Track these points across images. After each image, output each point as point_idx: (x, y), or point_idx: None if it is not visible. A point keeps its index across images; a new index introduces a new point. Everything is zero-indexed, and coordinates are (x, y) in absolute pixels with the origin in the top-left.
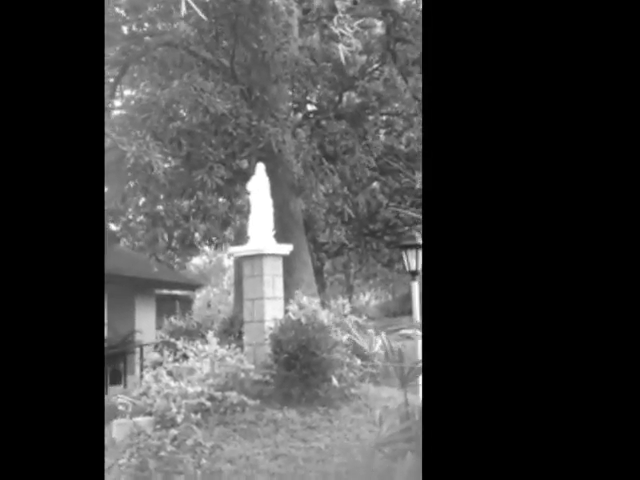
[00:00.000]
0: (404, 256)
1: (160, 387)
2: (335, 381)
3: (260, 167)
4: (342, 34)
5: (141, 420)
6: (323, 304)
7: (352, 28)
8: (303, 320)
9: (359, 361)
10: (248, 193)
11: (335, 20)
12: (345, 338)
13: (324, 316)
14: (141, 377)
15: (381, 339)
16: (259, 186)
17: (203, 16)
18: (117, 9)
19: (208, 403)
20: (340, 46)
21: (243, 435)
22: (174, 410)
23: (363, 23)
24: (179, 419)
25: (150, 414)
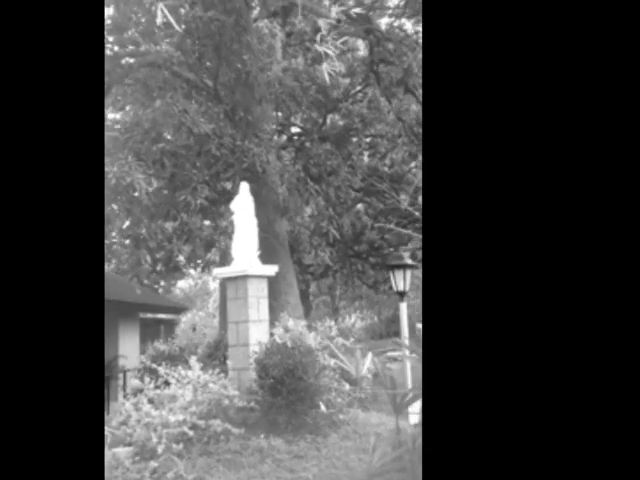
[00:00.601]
0: (391, 276)
1: (140, 416)
2: (323, 407)
3: (244, 186)
4: (326, 54)
5: (120, 451)
6: (310, 327)
7: (336, 47)
8: (289, 343)
9: (347, 386)
10: (232, 213)
11: (318, 38)
12: (333, 362)
13: (311, 339)
14: (123, 404)
15: (369, 362)
16: (243, 205)
17: (178, 27)
18: None
19: (190, 432)
20: (324, 66)
21: (227, 466)
22: (154, 440)
23: (346, 44)
24: (160, 449)
25: (130, 444)
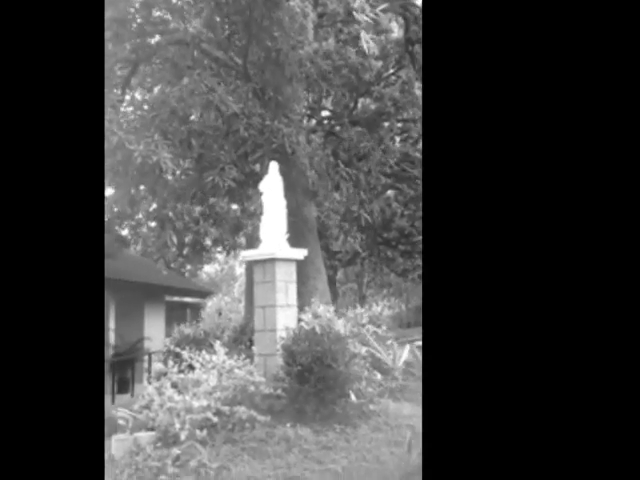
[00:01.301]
0: None
1: (163, 400)
2: (353, 397)
3: (273, 166)
4: (367, 23)
5: (142, 436)
6: (338, 313)
7: (374, 17)
8: (318, 330)
9: (379, 375)
10: (260, 194)
11: (357, 3)
12: (364, 350)
13: (340, 326)
14: (146, 388)
15: (406, 353)
16: (272, 186)
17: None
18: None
19: (215, 418)
20: (362, 34)
21: (252, 455)
22: (177, 426)
23: (379, 26)
24: (183, 436)
25: (152, 429)
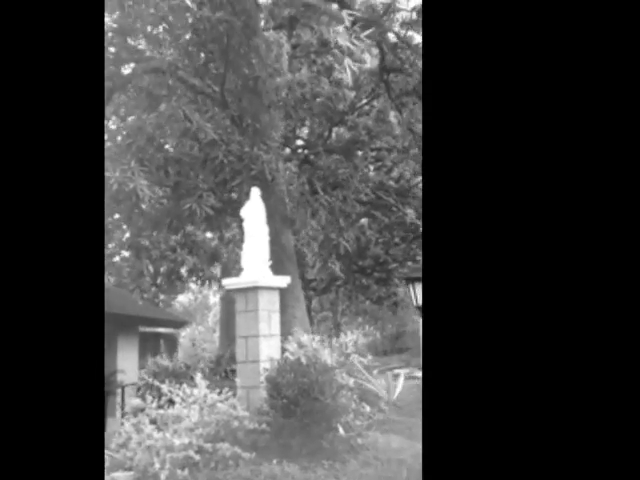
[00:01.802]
0: (411, 290)
1: (142, 438)
2: (341, 430)
3: (255, 192)
4: (348, 49)
5: (120, 476)
6: (323, 342)
7: (356, 43)
8: (303, 360)
9: (368, 407)
10: (241, 220)
11: (340, 29)
12: (351, 381)
13: (327, 356)
14: (122, 424)
15: (401, 384)
16: (254, 213)
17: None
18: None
19: (197, 457)
20: (346, 61)
21: None
22: (157, 465)
23: (353, 57)
24: (163, 476)
25: (130, 469)
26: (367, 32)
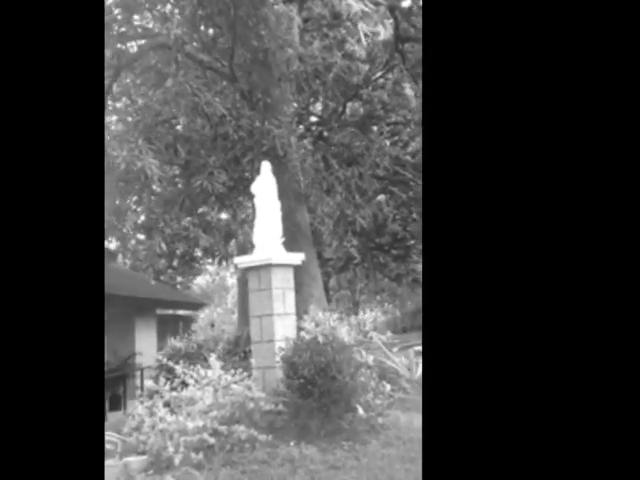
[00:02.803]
0: None
1: (154, 421)
2: (361, 410)
3: (266, 166)
4: (362, 11)
5: (133, 461)
6: (342, 319)
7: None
8: (320, 339)
9: (388, 386)
10: (252, 196)
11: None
12: (370, 359)
13: (344, 334)
14: (136, 408)
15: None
16: (265, 188)
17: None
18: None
19: (211, 440)
20: (360, 25)
21: (254, 478)
22: (171, 449)
23: (368, 27)
24: (177, 460)
25: (143, 453)
26: None
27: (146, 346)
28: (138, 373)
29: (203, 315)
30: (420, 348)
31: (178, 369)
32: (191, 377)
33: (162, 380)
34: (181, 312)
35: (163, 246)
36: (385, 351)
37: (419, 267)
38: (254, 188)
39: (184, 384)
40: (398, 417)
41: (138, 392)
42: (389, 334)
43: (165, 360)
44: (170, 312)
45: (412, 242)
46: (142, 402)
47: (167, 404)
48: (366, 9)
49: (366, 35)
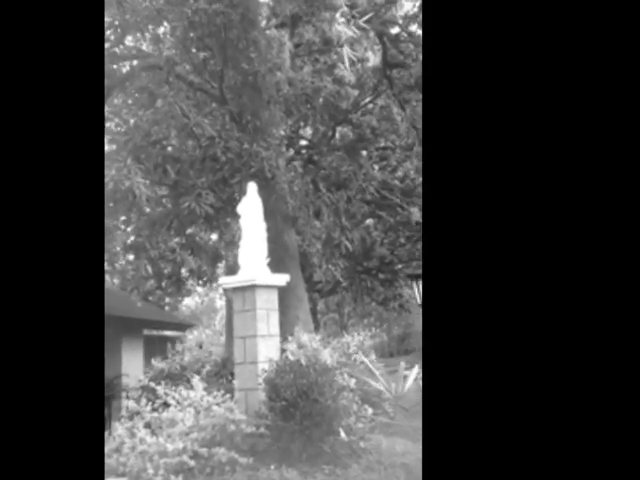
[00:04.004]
0: (415, 287)
1: (135, 443)
2: (343, 434)
3: (252, 187)
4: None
5: None
6: (325, 342)
7: (355, 31)
8: (303, 361)
9: (370, 410)
10: (238, 217)
11: (338, 15)
12: (352, 382)
13: (327, 356)
14: (116, 429)
15: (413, 376)
16: (251, 208)
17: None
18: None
19: (192, 462)
20: (345, 50)
21: None
22: (151, 471)
23: (356, 55)
24: None
25: (123, 475)
26: (366, 17)
27: (132, 367)
28: (124, 394)
29: (191, 336)
30: (406, 372)
31: (160, 390)
32: (173, 398)
33: (143, 401)
34: (169, 333)
35: (149, 268)
36: (371, 369)
37: (406, 292)
38: (240, 209)
39: (166, 405)
40: (380, 441)
41: (122, 413)
42: (373, 357)
43: (147, 381)
44: (157, 333)
45: (399, 266)
46: (122, 423)
47: (148, 425)
48: (354, 35)
49: (353, 61)
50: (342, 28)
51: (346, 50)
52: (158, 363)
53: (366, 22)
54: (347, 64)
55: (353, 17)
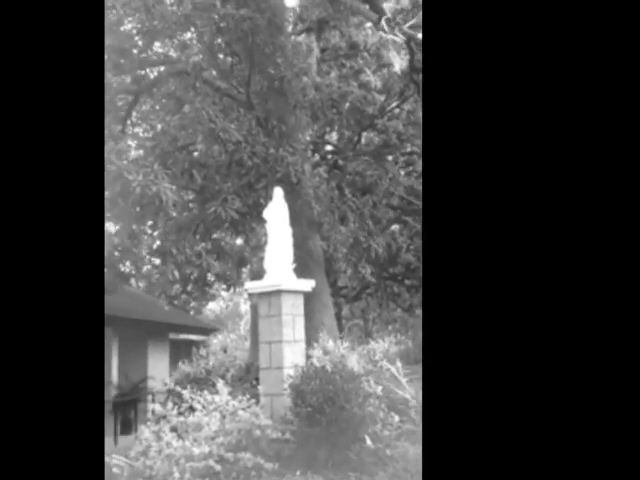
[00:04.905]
0: None
1: (161, 446)
2: (369, 441)
3: (278, 192)
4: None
5: None
6: (352, 349)
7: (396, 36)
8: (329, 367)
9: (397, 417)
10: (264, 222)
11: (383, 22)
12: (379, 389)
13: (354, 362)
14: (142, 432)
15: None
16: (277, 214)
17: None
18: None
19: (217, 466)
20: (391, 53)
21: None
22: (177, 475)
23: (381, 60)
24: None
25: (150, 478)
26: (409, 23)
27: (158, 370)
28: (150, 397)
29: (216, 341)
30: None
31: (185, 394)
32: (198, 402)
33: (170, 404)
34: (194, 337)
35: (176, 273)
36: (398, 377)
37: None
38: (266, 214)
39: (192, 409)
40: (406, 449)
41: (149, 416)
42: (399, 364)
43: (172, 385)
44: (183, 337)
45: None
46: (149, 426)
47: (174, 429)
48: (394, 38)
49: (386, 65)
50: (375, 33)
51: (392, 55)
52: (185, 367)
53: (392, 26)
54: (397, 68)
55: (395, 25)
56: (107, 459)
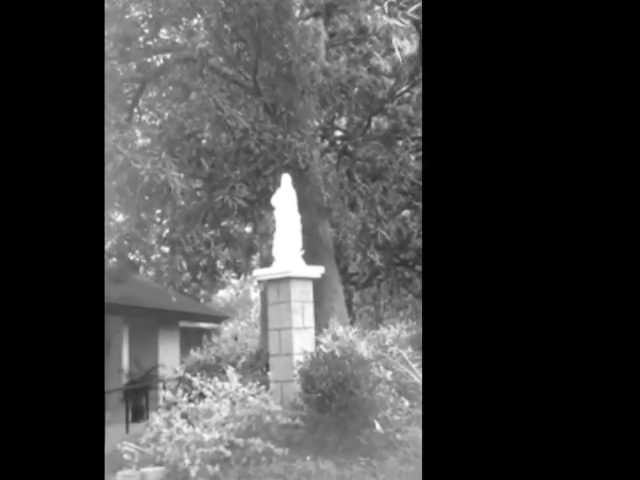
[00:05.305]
0: None
1: (172, 432)
2: (378, 426)
3: (286, 179)
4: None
5: (150, 472)
6: (359, 334)
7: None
8: (338, 353)
9: (407, 402)
10: (273, 209)
11: (386, 5)
12: (389, 374)
13: (363, 348)
14: (153, 419)
15: None
16: (285, 200)
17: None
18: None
19: (227, 452)
20: (394, 40)
21: None
22: (187, 461)
23: (389, 44)
24: (193, 472)
25: (160, 464)
26: (414, 8)
27: (169, 358)
28: (161, 385)
29: (227, 328)
30: None
31: (195, 381)
32: (208, 389)
33: (180, 392)
34: (204, 325)
35: (184, 264)
36: (409, 363)
37: None
38: (274, 200)
39: (202, 396)
40: (417, 434)
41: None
42: (410, 350)
43: (182, 372)
44: (194, 325)
45: None
46: (159, 413)
47: (185, 415)
48: (398, 23)
49: (398, 49)
50: (384, 16)
51: (395, 41)
52: (196, 354)
53: (394, 12)
54: (397, 54)
55: (401, 8)
56: (118, 446)
